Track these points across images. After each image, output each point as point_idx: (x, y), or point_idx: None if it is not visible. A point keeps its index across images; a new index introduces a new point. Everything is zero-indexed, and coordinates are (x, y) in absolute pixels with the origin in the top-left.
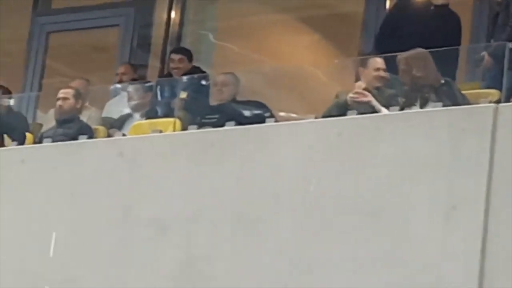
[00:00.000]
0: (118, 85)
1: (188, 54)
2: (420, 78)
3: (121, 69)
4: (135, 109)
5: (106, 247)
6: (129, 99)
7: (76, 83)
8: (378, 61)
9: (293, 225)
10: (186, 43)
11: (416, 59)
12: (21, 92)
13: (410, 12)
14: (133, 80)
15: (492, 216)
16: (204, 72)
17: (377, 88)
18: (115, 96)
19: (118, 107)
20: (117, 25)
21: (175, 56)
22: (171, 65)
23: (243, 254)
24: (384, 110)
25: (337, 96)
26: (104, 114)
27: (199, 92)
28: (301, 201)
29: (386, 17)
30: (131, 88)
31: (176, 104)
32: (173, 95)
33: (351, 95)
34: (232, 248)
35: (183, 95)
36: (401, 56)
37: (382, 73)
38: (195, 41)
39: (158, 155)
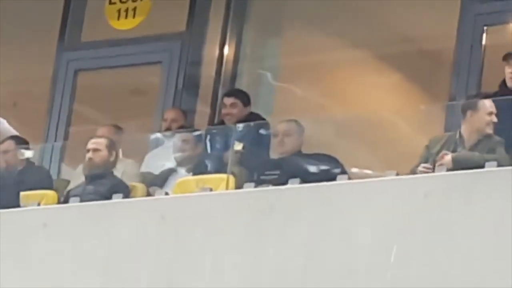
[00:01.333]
0: (159, 134)
1: (243, 98)
2: None
3: (170, 114)
4: (180, 163)
5: None
6: (175, 150)
7: (105, 131)
8: (489, 105)
9: None
10: (241, 85)
11: None
12: (43, 142)
13: None
14: (181, 128)
15: None
16: (263, 119)
17: (487, 136)
18: (156, 147)
19: (159, 160)
20: (159, 62)
21: (228, 100)
22: (223, 110)
23: None
24: None
25: (427, 148)
26: (143, 169)
27: (257, 143)
28: (381, 277)
29: None
30: (177, 137)
31: (229, 157)
32: (226, 146)
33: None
34: None
35: (238, 146)
36: None
37: (494, 119)
38: (252, 82)
39: (208, 218)
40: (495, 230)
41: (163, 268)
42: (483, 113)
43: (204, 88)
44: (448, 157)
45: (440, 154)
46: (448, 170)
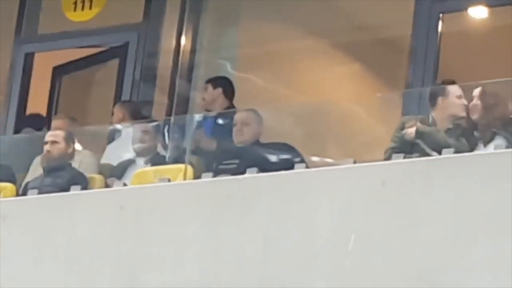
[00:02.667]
0: (119, 126)
1: (225, 85)
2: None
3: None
4: (140, 153)
5: None
6: (134, 141)
7: (61, 123)
8: (457, 88)
9: None
10: (199, 75)
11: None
12: (1, 134)
13: None
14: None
15: None
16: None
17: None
18: (113, 138)
19: (119, 151)
20: (117, 54)
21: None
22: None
23: None
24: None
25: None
26: (103, 160)
27: (215, 133)
28: (339, 265)
29: None
30: (136, 128)
31: (187, 147)
32: (184, 136)
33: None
34: None
35: None
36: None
37: (465, 101)
38: (210, 72)
39: (167, 209)
40: (453, 217)
41: (123, 259)
42: (453, 97)
43: (161, 79)
44: (413, 129)
45: (408, 124)
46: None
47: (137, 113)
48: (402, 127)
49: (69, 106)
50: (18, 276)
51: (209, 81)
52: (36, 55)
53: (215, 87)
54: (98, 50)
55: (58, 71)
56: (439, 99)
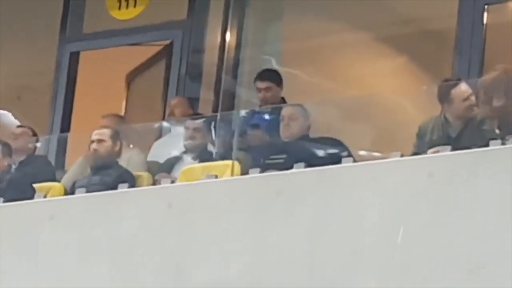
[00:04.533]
0: (165, 123)
1: (276, 79)
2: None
3: (173, 101)
4: (189, 150)
5: None
6: (186, 138)
7: (109, 121)
8: (464, 89)
9: (379, 286)
10: (244, 71)
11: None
12: (47, 134)
13: None
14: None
15: None
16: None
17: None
18: (160, 135)
19: (166, 148)
20: (163, 51)
21: (261, 85)
22: (258, 95)
23: None
24: None
25: (418, 136)
26: (149, 158)
27: (263, 128)
28: (387, 258)
29: None
30: (188, 125)
31: (234, 143)
32: (231, 132)
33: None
34: None
35: None
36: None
37: (473, 100)
38: (255, 67)
39: (215, 206)
40: (499, 209)
41: (170, 256)
42: (458, 101)
43: (207, 76)
44: None
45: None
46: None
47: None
48: (420, 135)
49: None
50: (66, 275)
51: (265, 78)
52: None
53: (278, 84)
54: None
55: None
56: (445, 104)
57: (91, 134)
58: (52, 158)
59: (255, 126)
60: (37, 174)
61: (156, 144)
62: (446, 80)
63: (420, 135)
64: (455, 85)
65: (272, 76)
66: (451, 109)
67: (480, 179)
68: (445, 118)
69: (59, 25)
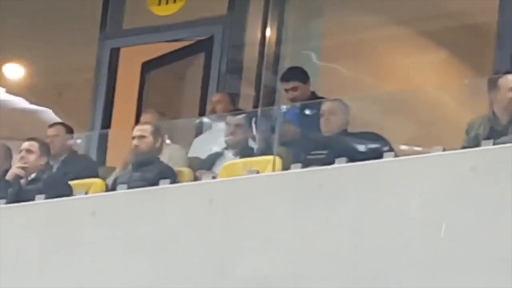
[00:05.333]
0: (205, 119)
1: (301, 77)
2: None
3: (215, 97)
4: (230, 146)
5: None
6: (227, 134)
7: (149, 117)
8: (510, 79)
9: (420, 281)
10: (285, 66)
11: None
12: (88, 131)
13: None
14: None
15: None
16: (321, 98)
17: None
18: (201, 131)
19: (207, 144)
20: (202, 48)
21: (287, 85)
22: (287, 95)
23: None
24: None
25: (470, 125)
26: (190, 154)
27: (303, 123)
28: (430, 252)
29: None
30: (229, 121)
31: (275, 139)
32: (272, 128)
33: None
34: None
35: None
36: None
37: None
38: (295, 63)
39: (256, 201)
40: None
41: (212, 251)
42: (504, 90)
43: (247, 71)
44: None
45: None
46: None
47: (234, 105)
48: (469, 131)
49: (157, 101)
50: (108, 271)
51: (290, 78)
52: (123, 50)
53: (304, 82)
54: (183, 44)
55: (147, 67)
56: (493, 93)
57: (132, 130)
58: (93, 155)
59: (288, 121)
60: (78, 171)
61: (197, 140)
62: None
63: (468, 131)
64: (503, 75)
65: (295, 75)
66: (498, 100)
67: None
68: (493, 112)
69: (99, 22)
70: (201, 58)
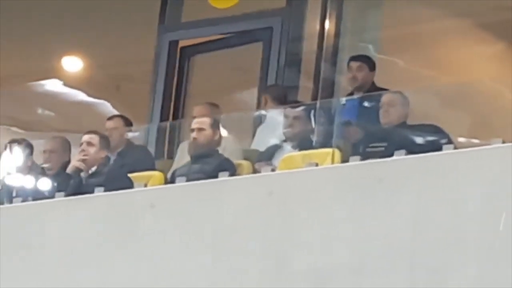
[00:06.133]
0: (263, 112)
1: (369, 63)
2: None
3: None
4: (289, 139)
5: None
6: (285, 126)
7: (202, 109)
8: None
9: (481, 273)
10: (343, 58)
11: None
12: (147, 123)
13: None
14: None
15: None
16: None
17: None
18: (258, 123)
19: (264, 136)
20: (260, 40)
21: (354, 64)
22: (348, 74)
23: None
24: None
25: None
26: (246, 145)
27: (362, 116)
28: (489, 245)
29: None
30: (288, 114)
31: (334, 131)
32: (331, 120)
33: None
34: None
35: None
36: None
37: None
38: (353, 55)
39: (315, 193)
40: None
41: (272, 244)
42: None
43: (306, 64)
44: None
45: None
46: None
47: (282, 97)
48: None
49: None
50: (168, 263)
51: (360, 59)
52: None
53: (371, 69)
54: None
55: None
56: None
57: (191, 123)
58: (152, 147)
59: (348, 123)
60: (136, 163)
61: (258, 131)
62: None
63: None
64: None
65: (366, 59)
66: None
67: None
68: None
69: (158, 14)
70: (259, 50)
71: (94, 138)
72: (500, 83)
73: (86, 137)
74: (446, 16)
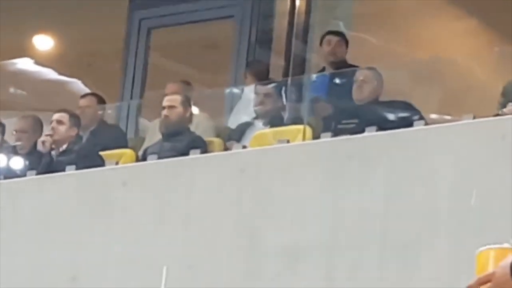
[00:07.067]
0: (234, 89)
1: (346, 40)
2: None
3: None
4: (260, 116)
5: (229, 283)
6: (256, 104)
7: (175, 87)
8: None
9: (452, 247)
10: (314, 35)
11: None
12: (118, 101)
13: None
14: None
15: None
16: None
17: None
18: (231, 101)
19: (235, 114)
20: (231, 16)
21: (334, 38)
22: (326, 48)
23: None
24: None
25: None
26: (216, 122)
27: (332, 93)
28: (460, 220)
29: None
30: (258, 91)
31: (305, 108)
32: (301, 97)
33: None
34: (380, 279)
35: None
36: None
37: None
38: (324, 32)
39: (287, 170)
40: None
41: (244, 221)
42: None
43: (277, 41)
44: None
45: None
46: None
47: (263, 73)
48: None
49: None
50: (138, 241)
51: (339, 34)
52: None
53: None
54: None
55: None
56: None
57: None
58: (123, 125)
59: (317, 100)
60: (108, 141)
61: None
62: None
63: (504, 94)
64: None
65: (343, 35)
66: None
67: None
68: None
69: None
70: (231, 27)
71: (64, 117)
72: (472, 59)
73: (56, 116)
74: None
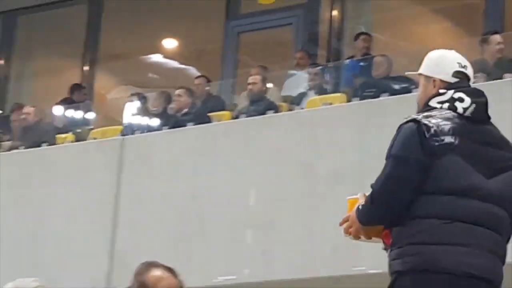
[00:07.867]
0: (294, 71)
1: (371, 37)
2: None
3: (298, 54)
4: (312, 87)
5: (293, 196)
6: (309, 79)
7: (257, 70)
8: (498, 37)
9: None
10: (346, 36)
11: None
12: (220, 80)
13: None
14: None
15: None
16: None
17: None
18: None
19: (295, 87)
20: (291, 24)
21: (368, 38)
22: (362, 44)
23: None
24: None
25: None
26: (283, 92)
27: (359, 72)
28: None
29: None
30: (310, 71)
31: (341, 82)
32: (338, 75)
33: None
34: None
35: None
36: None
37: (502, 46)
38: (353, 33)
39: (330, 123)
40: None
41: (302, 156)
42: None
43: (322, 40)
44: None
45: None
46: None
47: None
48: None
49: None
50: (238, 168)
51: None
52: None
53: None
54: (278, 22)
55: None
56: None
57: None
58: (223, 96)
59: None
60: (213, 106)
61: (286, 83)
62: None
63: None
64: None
65: (369, 35)
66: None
67: None
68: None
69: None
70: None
71: (183, 91)
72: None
73: (178, 91)
74: (410, 5)
